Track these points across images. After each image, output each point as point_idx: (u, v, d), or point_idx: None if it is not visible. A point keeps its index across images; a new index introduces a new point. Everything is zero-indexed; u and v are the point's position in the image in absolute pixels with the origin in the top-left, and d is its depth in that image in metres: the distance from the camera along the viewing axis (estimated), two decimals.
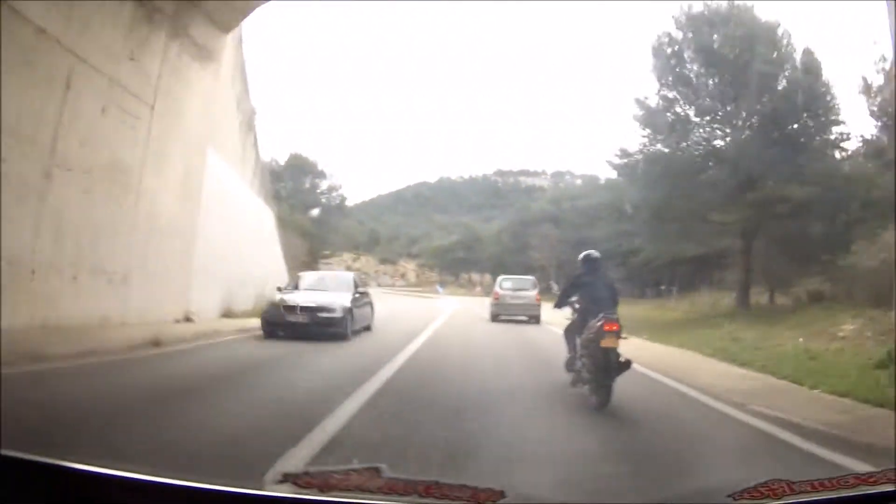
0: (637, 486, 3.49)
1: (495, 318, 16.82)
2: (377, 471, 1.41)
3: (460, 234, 58.05)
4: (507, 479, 3.31)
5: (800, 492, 1.43)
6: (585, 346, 5.62)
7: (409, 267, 67.82)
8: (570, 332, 6.18)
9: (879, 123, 17.13)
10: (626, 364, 5.37)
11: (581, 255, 6.42)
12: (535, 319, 16.43)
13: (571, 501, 2.93)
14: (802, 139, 18.12)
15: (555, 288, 28.03)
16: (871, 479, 1.45)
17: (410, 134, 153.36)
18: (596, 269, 6.18)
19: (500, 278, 18.56)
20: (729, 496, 1.46)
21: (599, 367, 5.23)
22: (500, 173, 71.67)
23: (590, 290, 5.97)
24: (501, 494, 1.38)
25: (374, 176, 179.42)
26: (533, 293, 17.19)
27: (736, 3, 18.97)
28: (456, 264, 56.81)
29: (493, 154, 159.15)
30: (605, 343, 5.21)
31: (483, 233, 55.29)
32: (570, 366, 6.10)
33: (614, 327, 5.25)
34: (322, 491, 1.35)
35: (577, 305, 6.18)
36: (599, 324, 5.32)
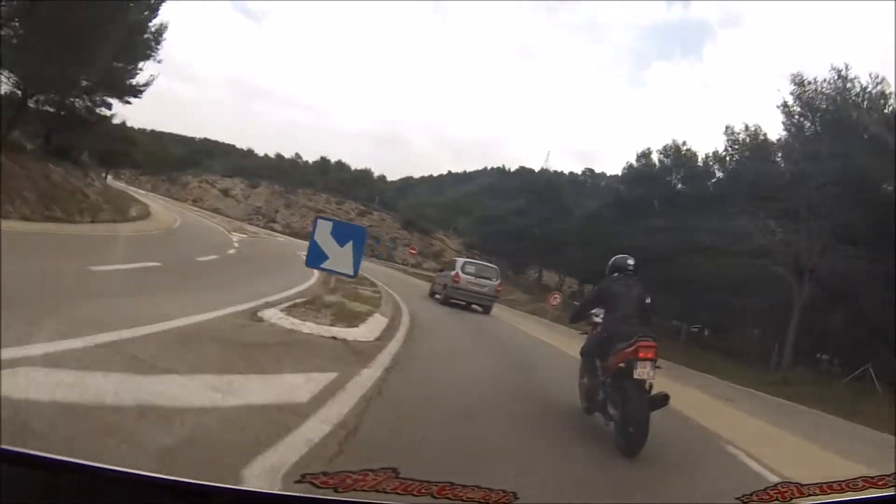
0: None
1: (447, 300, 15.99)
2: (393, 472, 1.44)
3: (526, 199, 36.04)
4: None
5: (809, 494, 1.45)
6: (611, 374, 4.59)
7: (450, 244, 48.82)
8: (590, 353, 5.04)
9: None
10: (663, 398, 4.37)
11: (611, 261, 5.22)
12: (487, 309, 16.20)
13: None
14: None
15: None
16: (881, 482, 1.46)
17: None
18: (629, 277, 5.04)
19: (462, 261, 17.62)
20: (738, 498, 1.47)
21: (630, 401, 4.28)
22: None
23: (620, 303, 4.83)
24: (514, 496, 1.41)
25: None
26: (494, 283, 16.71)
27: None
28: (517, 251, 35.59)
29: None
30: (639, 373, 4.31)
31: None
32: (589, 398, 4.94)
33: (650, 354, 4.32)
34: (338, 491, 1.39)
35: (596, 320, 5.24)
36: (632, 348, 4.36)
